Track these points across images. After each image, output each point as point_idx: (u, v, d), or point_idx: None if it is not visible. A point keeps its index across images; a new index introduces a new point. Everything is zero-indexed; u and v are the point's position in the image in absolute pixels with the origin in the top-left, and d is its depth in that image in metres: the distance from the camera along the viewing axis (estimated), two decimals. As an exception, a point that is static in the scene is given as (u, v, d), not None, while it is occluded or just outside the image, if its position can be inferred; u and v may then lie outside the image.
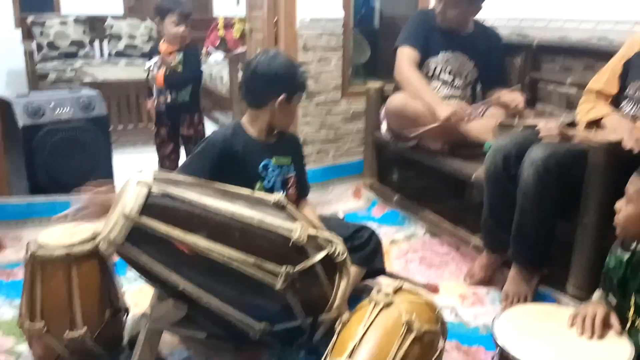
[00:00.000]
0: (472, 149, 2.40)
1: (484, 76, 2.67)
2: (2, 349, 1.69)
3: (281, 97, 1.82)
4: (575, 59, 2.59)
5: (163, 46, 3.10)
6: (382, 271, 2.06)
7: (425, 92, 2.43)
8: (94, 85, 3.96)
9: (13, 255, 2.30)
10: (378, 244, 2.02)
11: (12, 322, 1.80)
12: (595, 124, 1.98)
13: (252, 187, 1.83)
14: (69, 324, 1.52)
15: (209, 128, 3.17)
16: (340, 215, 2.77)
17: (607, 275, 1.48)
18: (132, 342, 1.64)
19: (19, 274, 2.10)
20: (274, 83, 1.83)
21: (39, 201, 2.47)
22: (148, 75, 3.13)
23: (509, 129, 2.19)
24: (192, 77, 3.12)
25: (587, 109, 2.04)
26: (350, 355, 1.36)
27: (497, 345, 1.35)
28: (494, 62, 2.68)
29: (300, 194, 2.00)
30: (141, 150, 4.21)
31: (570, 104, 2.55)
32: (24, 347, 1.66)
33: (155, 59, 3.04)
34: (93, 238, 1.58)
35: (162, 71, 3.02)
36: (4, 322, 1.84)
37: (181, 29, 3.01)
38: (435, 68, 2.59)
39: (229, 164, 1.84)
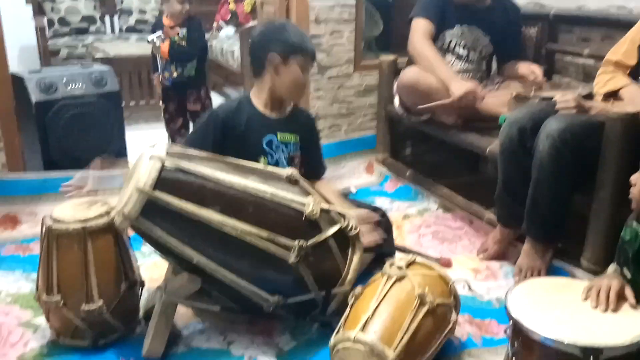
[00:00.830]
0: (486, 122, 2.37)
1: (500, 51, 2.62)
2: (20, 321, 1.72)
3: (274, 58, 1.81)
4: (593, 29, 2.53)
5: (166, 20, 3.09)
6: (391, 254, 2.05)
7: (439, 66, 2.39)
8: (105, 60, 3.95)
9: (29, 230, 2.33)
10: (388, 228, 2.00)
11: (29, 296, 1.83)
12: (612, 95, 1.95)
13: (256, 162, 1.82)
14: (85, 297, 1.54)
15: (219, 103, 3.16)
16: (353, 191, 2.77)
17: (622, 249, 1.46)
18: (148, 315, 1.66)
19: (35, 249, 2.13)
20: (265, 44, 1.84)
21: (54, 177, 2.48)
22: (152, 47, 3.13)
23: (525, 101, 2.15)
24: (197, 51, 3.13)
25: (605, 80, 2.00)
26: (363, 328, 1.37)
27: (510, 317, 1.35)
28: (511, 36, 2.63)
29: (315, 174, 1.98)
30: (154, 126, 4.21)
31: (588, 76, 2.51)
32: (41, 320, 1.68)
33: (159, 32, 3.05)
34: (108, 212, 1.59)
35: (166, 44, 3.02)
36: (21, 295, 1.86)
37: (186, 7, 3.02)
38: (450, 41, 2.55)
39: (233, 137, 1.84)
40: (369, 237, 1.80)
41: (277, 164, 1.86)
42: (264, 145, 1.86)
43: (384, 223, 1.98)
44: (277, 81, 1.84)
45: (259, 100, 1.89)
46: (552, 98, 1.97)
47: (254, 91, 1.91)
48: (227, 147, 1.84)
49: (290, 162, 1.90)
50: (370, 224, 1.82)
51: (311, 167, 1.98)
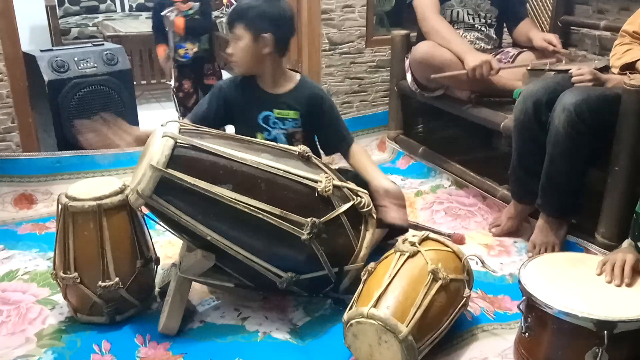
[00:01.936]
0: (500, 96, 2.34)
1: (506, 12, 2.57)
2: (38, 298, 1.75)
3: None
4: (610, 0, 2.48)
5: None
6: (404, 231, 2.04)
7: (454, 39, 2.35)
8: (116, 39, 3.95)
9: (44, 209, 2.36)
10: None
11: (46, 273, 1.86)
12: (629, 67, 1.91)
13: (253, 137, 1.83)
14: (102, 274, 1.56)
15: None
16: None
17: (636, 223, 1.45)
18: (163, 292, 1.68)
19: (51, 227, 2.16)
20: None
21: (68, 155, 2.51)
22: (165, 23, 3.08)
23: (540, 74, 2.11)
24: (210, 24, 3.12)
25: (622, 51, 1.96)
26: (375, 304, 1.38)
27: (524, 292, 1.35)
28: None
29: (338, 148, 1.96)
30: (165, 106, 4.22)
31: (604, 49, 2.47)
32: (59, 297, 1.71)
33: (171, 8, 3.02)
34: (122, 190, 1.60)
35: (180, 18, 2.99)
36: (38, 273, 1.89)
37: None
38: (451, 12, 2.51)
39: (234, 113, 1.87)
40: (394, 214, 1.79)
41: (275, 140, 1.86)
42: (260, 121, 1.86)
43: None
44: None
45: (258, 76, 1.90)
46: (567, 71, 1.94)
47: None
48: (230, 123, 1.89)
49: (289, 139, 1.89)
50: (400, 202, 1.80)
51: (331, 141, 1.96)
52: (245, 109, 1.87)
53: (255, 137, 1.82)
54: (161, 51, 3.23)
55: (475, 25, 2.52)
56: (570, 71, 1.91)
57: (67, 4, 5.15)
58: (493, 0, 2.53)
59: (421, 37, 2.52)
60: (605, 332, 1.21)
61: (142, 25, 4.58)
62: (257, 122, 1.87)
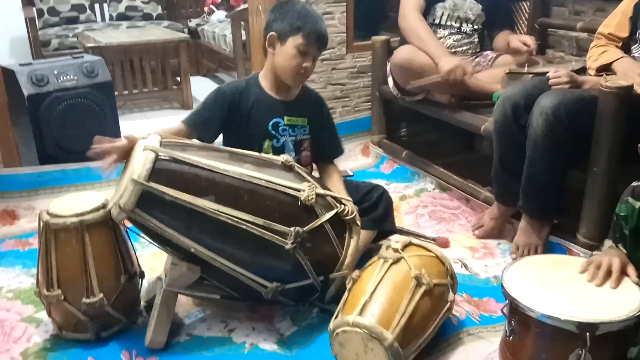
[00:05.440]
0: (481, 100, 2.36)
1: (491, 20, 2.59)
2: (22, 316, 1.73)
3: (272, 37, 1.79)
4: (586, 2, 2.52)
5: None
6: (392, 232, 2.05)
7: (430, 42, 2.37)
8: (97, 50, 3.92)
9: (27, 225, 2.33)
10: (389, 205, 1.99)
11: (30, 291, 1.84)
12: (606, 69, 1.94)
13: (260, 145, 1.82)
14: (86, 291, 1.54)
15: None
16: (350, 173, 2.77)
17: (617, 225, 1.47)
18: (149, 306, 1.67)
19: (35, 243, 2.13)
20: (269, 22, 1.82)
21: (49, 170, 2.48)
22: None
23: (518, 77, 2.14)
24: None
25: (598, 53, 2.00)
26: (360, 312, 1.38)
27: (506, 296, 1.36)
28: (502, 3, 2.60)
29: (329, 157, 1.97)
30: (148, 115, 4.21)
31: (581, 49, 2.50)
32: (43, 315, 1.69)
33: None
34: (104, 205, 1.59)
35: None
36: (22, 290, 1.87)
37: None
38: (442, 15, 2.52)
39: (237, 118, 1.83)
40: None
41: (283, 147, 1.85)
42: (270, 129, 1.84)
43: (384, 200, 1.97)
44: (275, 61, 1.81)
45: (266, 81, 1.87)
46: (545, 74, 1.96)
47: (262, 72, 1.89)
48: (231, 128, 1.84)
49: (297, 146, 1.88)
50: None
51: (324, 150, 1.96)
52: (253, 115, 1.83)
53: (262, 145, 1.82)
54: None
55: (462, 29, 2.54)
56: (547, 74, 1.93)
57: (46, 15, 5.10)
58: (484, 5, 2.55)
59: (404, 41, 2.54)
60: (588, 333, 1.22)
61: (123, 35, 4.55)
62: (266, 129, 1.83)
